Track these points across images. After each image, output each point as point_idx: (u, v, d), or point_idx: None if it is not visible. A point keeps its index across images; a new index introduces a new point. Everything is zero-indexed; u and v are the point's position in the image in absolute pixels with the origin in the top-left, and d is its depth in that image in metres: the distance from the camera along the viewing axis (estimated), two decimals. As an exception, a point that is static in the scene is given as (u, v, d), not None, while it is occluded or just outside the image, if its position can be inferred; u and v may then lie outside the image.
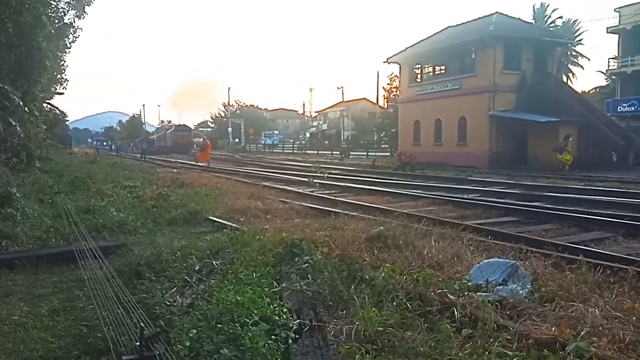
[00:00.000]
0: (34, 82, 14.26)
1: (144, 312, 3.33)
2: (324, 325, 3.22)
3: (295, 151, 50.90)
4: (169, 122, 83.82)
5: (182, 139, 56.90)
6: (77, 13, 17.93)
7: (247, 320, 3.10)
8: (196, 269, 4.38)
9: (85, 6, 17.76)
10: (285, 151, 52.23)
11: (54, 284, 4.92)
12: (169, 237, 6.18)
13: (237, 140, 64.43)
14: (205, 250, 4.96)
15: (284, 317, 3.21)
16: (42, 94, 16.69)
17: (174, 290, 3.95)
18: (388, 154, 35.92)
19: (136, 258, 5.04)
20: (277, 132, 79.94)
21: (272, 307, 3.30)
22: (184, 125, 66.00)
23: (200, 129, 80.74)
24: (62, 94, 25.28)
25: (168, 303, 3.62)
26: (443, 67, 29.38)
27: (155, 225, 7.39)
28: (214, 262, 4.41)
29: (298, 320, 3.20)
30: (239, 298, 3.33)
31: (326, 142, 61.65)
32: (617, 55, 33.79)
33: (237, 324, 3.07)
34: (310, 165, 20.84)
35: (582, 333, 2.98)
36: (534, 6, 49.54)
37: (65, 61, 22.98)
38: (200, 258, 4.72)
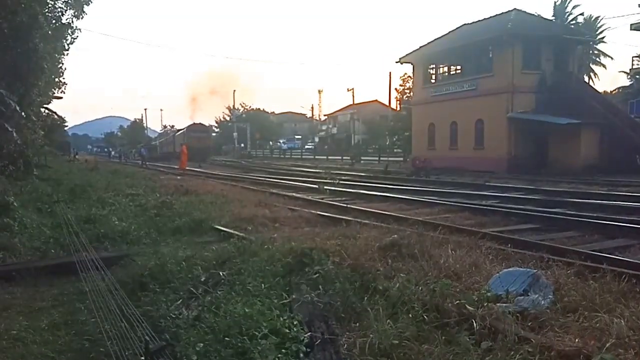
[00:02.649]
0: (31, 85, 14.30)
1: (149, 325, 3.36)
2: (336, 338, 3.23)
3: (303, 156, 50.96)
4: (172, 127, 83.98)
5: (199, 142, 46.43)
6: (76, 13, 17.82)
7: (256, 334, 3.12)
8: (202, 280, 4.41)
9: (84, 5, 17.78)
10: (293, 156, 52.32)
11: (54, 296, 4.96)
12: (174, 247, 6.20)
13: (242, 145, 64.66)
14: (211, 261, 4.99)
15: (295, 329, 3.22)
16: (39, 98, 16.75)
17: (179, 302, 3.98)
18: (401, 158, 35.84)
19: (139, 269, 5.08)
20: (298, 136, 79.78)
21: (281, 319, 3.31)
22: (200, 124, 55.26)
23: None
24: (61, 98, 25.36)
25: (173, 316, 3.64)
26: (459, 67, 29.30)
27: (159, 235, 7.42)
28: (220, 273, 4.44)
29: (309, 333, 3.21)
30: (247, 310, 3.35)
31: (326, 147, 60.78)
32: (641, 53, 33.49)
33: (245, 337, 3.08)
34: (320, 171, 20.88)
35: (607, 345, 2.97)
36: (555, 2, 49.37)
37: (63, 64, 23.10)
38: (206, 269, 4.75)
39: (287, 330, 3.17)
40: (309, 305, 3.60)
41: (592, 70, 49.13)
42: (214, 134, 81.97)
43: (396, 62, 32.06)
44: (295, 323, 3.26)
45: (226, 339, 3.09)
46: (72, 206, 10.46)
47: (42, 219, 8.77)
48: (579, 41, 28.98)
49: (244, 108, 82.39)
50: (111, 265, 5.53)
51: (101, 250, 6.49)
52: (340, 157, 41.60)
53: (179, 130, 59.05)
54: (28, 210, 9.37)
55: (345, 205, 10.91)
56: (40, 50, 13.37)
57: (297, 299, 3.72)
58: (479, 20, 29.68)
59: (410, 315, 3.51)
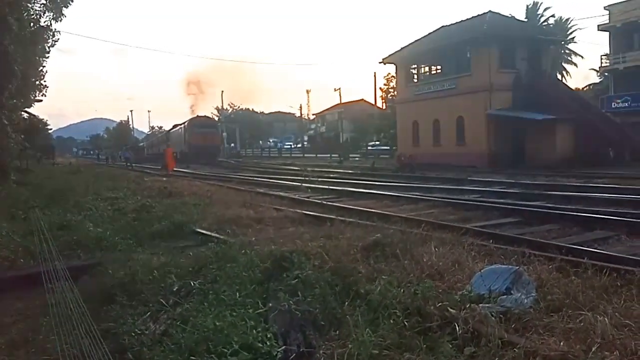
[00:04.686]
0: (1, 89, 13.60)
1: (112, 342, 3.04)
2: (313, 351, 2.94)
3: (292, 155, 50.66)
4: (160, 127, 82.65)
5: (205, 140, 36.75)
6: (54, 15, 17.16)
7: (225, 350, 2.80)
8: (174, 289, 4.06)
9: (63, 8, 17.06)
10: (282, 155, 52.01)
11: (18, 310, 4.57)
12: (149, 253, 5.73)
13: (232, 145, 64.01)
14: (187, 268, 4.61)
15: (269, 343, 2.91)
16: (11, 101, 15.97)
17: (147, 315, 3.61)
18: (387, 155, 35.83)
19: (109, 279, 4.70)
20: (291, 136, 79.45)
21: (255, 331, 2.99)
22: (205, 117, 44.65)
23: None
24: (41, 101, 24.52)
25: (139, 331, 3.28)
26: (439, 67, 29.39)
27: (136, 241, 6.92)
28: (191, 282, 4.10)
29: (284, 347, 2.92)
30: (217, 323, 3.02)
31: (308, 145, 59.78)
32: (609, 52, 34.13)
33: (213, 355, 2.77)
34: (309, 169, 20.67)
35: (593, 349, 2.78)
36: (527, 5, 49.88)
37: (44, 66, 22.37)
38: (180, 277, 4.38)
39: (261, 345, 2.85)
40: (286, 315, 3.28)
41: (565, 69, 49.72)
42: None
43: (379, 63, 32.06)
44: (269, 336, 2.96)
45: (192, 357, 2.77)
46: (47, 212, 9.85)
47: (14, 227, 8.21)
48: (551, 41, 29.35)
49: (233, 108, 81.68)
50: (82, 274, 5.13)
51: (72, 259, 6.06)
52: (329, 155, 41.48)
53: (175, 125, 46.09)
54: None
55: (331, 203, 10.69)
56: (11, 52, 12.67)
57: (273, 308, 3.41)
58: (456, 22, 29.79)
59: (392, 321, 3.26)
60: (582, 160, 21.34)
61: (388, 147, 40.42)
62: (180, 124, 43.19)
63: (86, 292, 4.40)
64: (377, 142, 45.26)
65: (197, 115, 43.56)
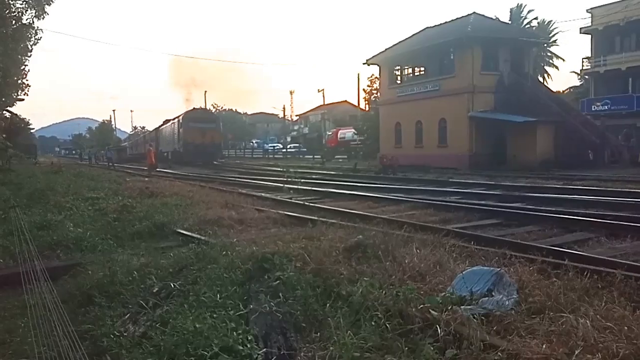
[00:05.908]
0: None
1: (91, 344, 2.98)
2: (294, 354, 2.93)
3: (276, 156, 50.53)
4: (143, 128, 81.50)
5: (204, 137, 31.68)
6: (37, 13, 16.82)
7: (205, 353, 2.76)
8: (154, 291, 4.00)
9: (45, 6, 16.71)
10: (266, 156, 51.84)
11: (-4, 312, 4.47)
12: (129, 254, 5.65)
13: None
14: (167, 269, 4.56)
15: (249, 345, 2.88)
16: None
17: (126, 317, 3.56)
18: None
19: (88, 280, 4.61)
20: (274, 137, 79.57)
21: (235, 334, 2.96)
22: (203, 109, 39.09)
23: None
24: (23, 99, 24.06)
25: (118, 333, 3.24)
26: (422, 69, 29.63)
27: (117, 241, 6.83)
28: (172, 284, 4.05)
29: (265, 349, 2.89)
30: (197, 325, 2.98)
31: (290, 146, 59.91)
32: (590, 55, 34.93)
33: (193, 358, 2.73)
34: (291, 170, 20.62)
35: (576, 352, 2.80)
36: (511, 9, 50.70)
37: (27, 65, 21.89)
38: (161, 278, 4.31)
39: (241, 347, 2.82)
40: (267, 316, 3.25)
41: (546, 71, 50.65)
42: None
43: (363, 64, 32.21)
44: (250, 338, 2.93)
45: (171, 360, 2.75)
46: (28, 211, 9.64)
47: (-7, 226, 8.06)
48: (534, 43, 29.80)
49: (216, 109, 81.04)
50: (61, 275, 5.05)
51: (52, 259, 5.95)
52: (312, 156, 41.50)
53: (167, 121, 39.62)
54: (-23, 218, 8.63)
55: (313, 204, 10.65)
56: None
57: (254, 310, 3.37)
58: (440, 24, 30.09)
59: (373, 323, 3.25)
60: (562, 163, 21.78)
61: (305, 149, 41.03)
62: (173, 119, 37.31)
63: (65, 293, 4.31)
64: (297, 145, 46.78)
65: (194, 108, 37.50)
